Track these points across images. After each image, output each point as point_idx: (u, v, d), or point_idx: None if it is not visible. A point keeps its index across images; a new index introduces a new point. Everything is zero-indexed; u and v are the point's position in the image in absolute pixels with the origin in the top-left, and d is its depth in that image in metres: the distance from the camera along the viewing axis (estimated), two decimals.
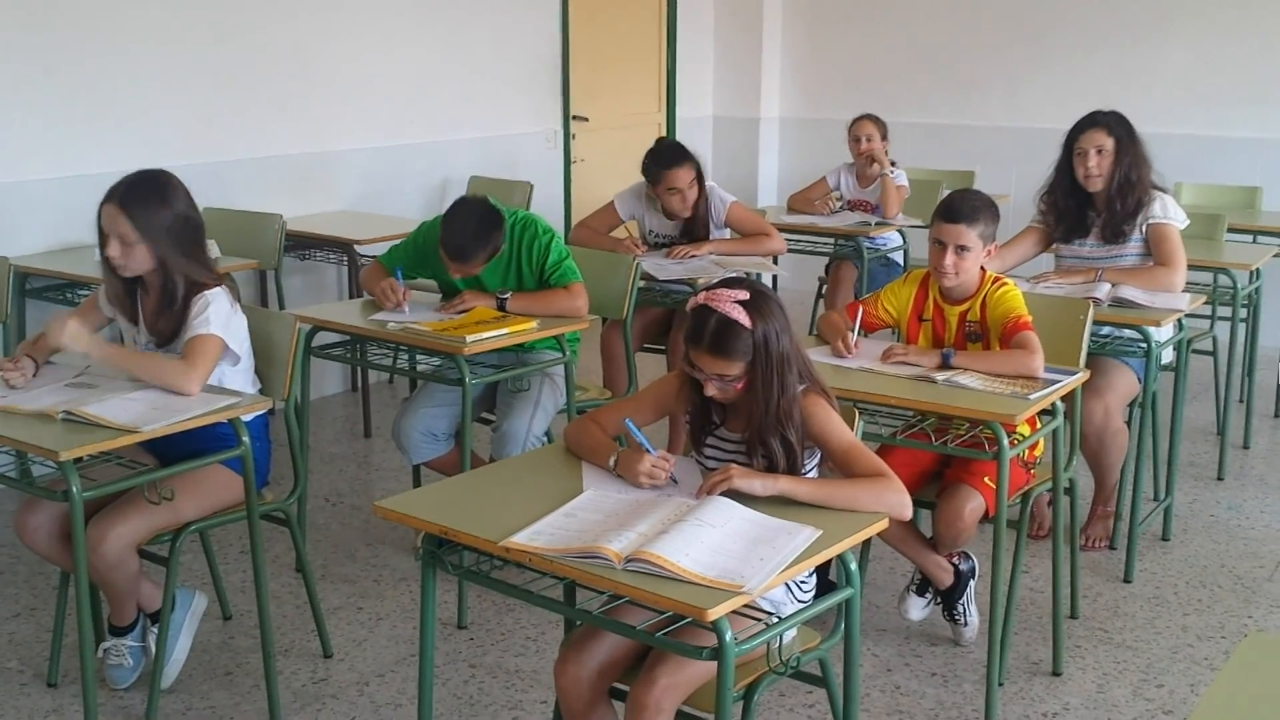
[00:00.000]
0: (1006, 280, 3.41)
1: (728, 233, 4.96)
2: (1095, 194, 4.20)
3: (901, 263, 5.81)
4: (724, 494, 2.36)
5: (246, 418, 3.03)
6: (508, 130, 6.69)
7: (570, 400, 3.98)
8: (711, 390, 2.50)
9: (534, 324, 3.74)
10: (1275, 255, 4.99)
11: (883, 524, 2.33)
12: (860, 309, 3.49)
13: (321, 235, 5.35)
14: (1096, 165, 4.17)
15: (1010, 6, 7.23)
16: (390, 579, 3.97)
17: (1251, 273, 4.80)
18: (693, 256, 4.70)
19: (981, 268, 3.43)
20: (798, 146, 8.00)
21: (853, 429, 2.59)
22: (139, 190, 3.05)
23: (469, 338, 3.57)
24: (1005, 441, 2.96)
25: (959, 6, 7.41)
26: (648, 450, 2.50)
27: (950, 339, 3.45)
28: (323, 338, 3.92)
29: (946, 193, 5.89)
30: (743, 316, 2.44)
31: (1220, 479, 4.81)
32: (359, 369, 5.69)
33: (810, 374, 2.56)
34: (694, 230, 4.86)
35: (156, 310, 3.13)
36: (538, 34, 6.79)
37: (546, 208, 6.65)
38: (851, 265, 5.66)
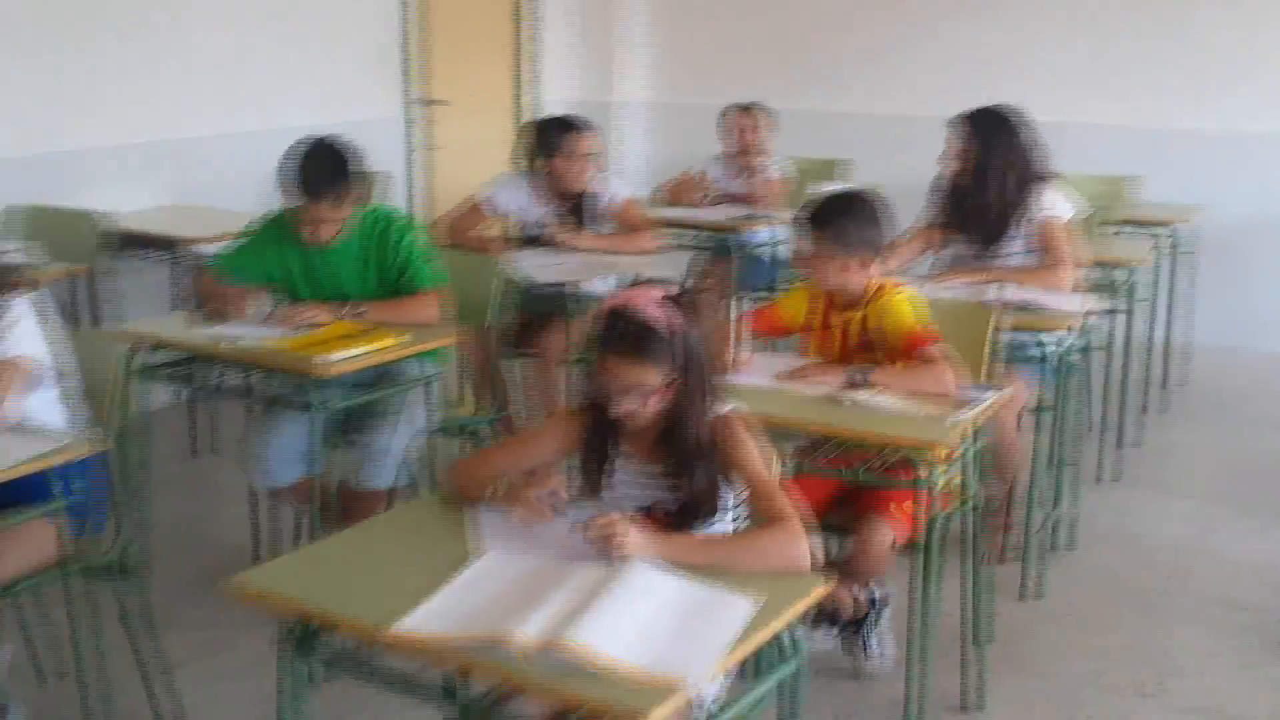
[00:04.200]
0: (898, 289, 3.14)
1: (605, 228, 4.62)
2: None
3: (781, 258, 5.56)
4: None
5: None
6: (353, 115, 6.18)
7: (439, 418, 3.59)
8: (625, 407, 2.17)
9: (397, 338, 3.34)
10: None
11: (826, 589, 2.04)
12: (753, 319, 3.20)
13: (146, 234, 4.82)
14: (950, 164, 3.99)
15: None
16: (244, 623, 3.51)
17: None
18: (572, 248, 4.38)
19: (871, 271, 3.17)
20: (666, 132, 7.70)
21: (773, 466, 2.29)
22: None
23: (322, 358, 3.15)
24: (925, 472, 2.70)
25: None
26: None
27: (837, 349, 3.17)
28: (152, 354, 3.45)
29: (823, 188, 5.77)
30: (665, 316, 2.13)
31: (1116, 480, 4.69)
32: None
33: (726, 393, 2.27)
34: (578, 215, 4.53)
35: None
36: (385, 11, 6.32)
37: (400, 201, 6.20)
38: (723, 260, 5.38)
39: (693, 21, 7.63)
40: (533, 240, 4.57)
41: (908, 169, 6.88)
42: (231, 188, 5.54)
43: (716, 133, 5.57)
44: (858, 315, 3.13)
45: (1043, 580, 3.80)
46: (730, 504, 2.26)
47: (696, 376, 2.17)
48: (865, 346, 3.14)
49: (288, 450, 3.46)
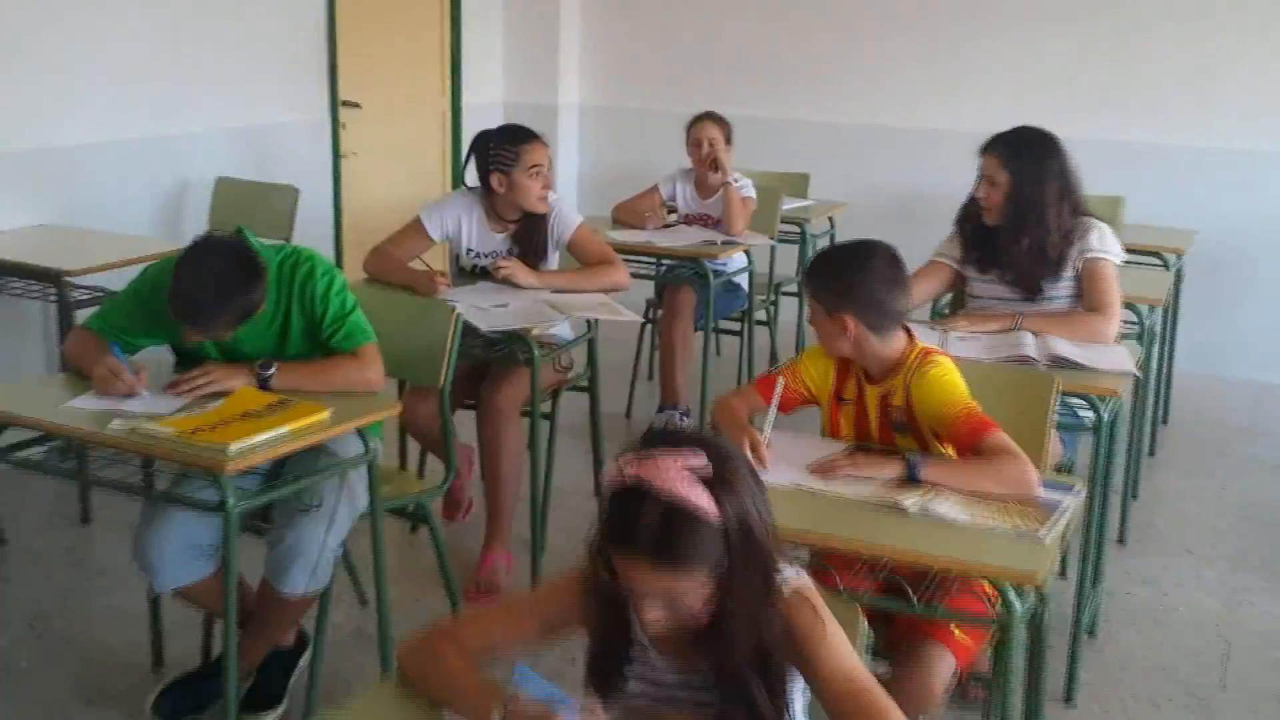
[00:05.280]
0: (938, 356, 2.58)
1: (555, 260, 3.99)
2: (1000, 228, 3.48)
3: (746, 286, 5.00)
4: None
5: None
6: (263, 120, 5.49)
7: (374, 503, 2.95)
8: (653, 616, 1.57)
9: (325, 415, 2.69)
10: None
11: None
12: (778, 386, 2.60)
13: (17, 262, 4.08)
14: (987, 197, 3.46)
15: None
16: None
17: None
18: (520, 285, 3.74)
19: (908, 334, 2.61)
20: (599, 137, 7.09)
21: (855, 641, 1.70)
22: None
23: (232, 445, 2.49)
24: (1019, 601, 2.13)
25: None
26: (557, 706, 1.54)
27: (875, 428, 2.62)
28: (15, 434, 2.77)
29: (791, 206, 5.20)
30: (705, 499, 1.52)
31: (1122, 542, 4.18)
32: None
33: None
34: (532, 243, 3.88)
35: None
36: (299, 5, 5.61)
37: (316, 217, 5.51)
38: (689, 290, 4.80)
39: (624, 21, 7.01)
40: (475, 272, 3.94)
41: (866, 182, 6.45)
42: (124, 206, 4.83)
43: (684, 145, 4.97)
44: (897, 388, 2.57)
45: (1074, 678, 3.28)
46: (799, 712, 1.66)
47: (753, 565, 1.57)
48: (905, 426, 2.58)
49: (189, 545, 2.80)
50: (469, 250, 3.95)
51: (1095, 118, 5.86)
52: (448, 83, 6.70)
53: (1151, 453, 4.98)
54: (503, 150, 3.79)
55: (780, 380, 2.58)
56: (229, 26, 5.23)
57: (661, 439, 1.57)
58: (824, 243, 5.74)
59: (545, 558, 3.82)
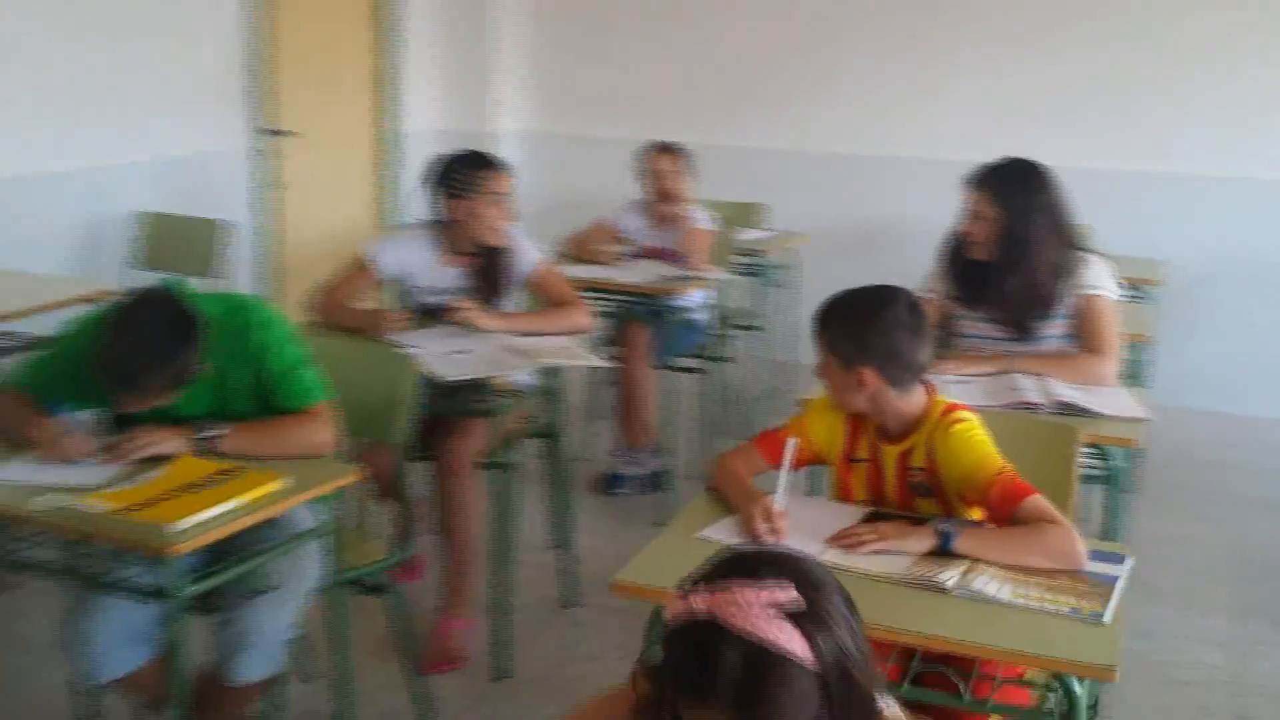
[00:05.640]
0: (963, 411, 2.36)
1: (511, 306, 3.73)
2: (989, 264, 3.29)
3: (705, 321, 4.77)
4: None
5: None
6: (188, 149, 5.16)
7: (332, 577, 2.66)
8: None
9: (278, 484, 2.40)
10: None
11: None
12: (789, 447, 2.36)
13: None
14: (973, 231, 3.27)
15: (788, 16, 6.33)
16: None
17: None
18: (478, 328, 3.47)
19: (928, 391, 2.39)
20: (541, 165, 6.82)
21: None
22: None
23: (175, 524, 2.20)
24: (1083, 693, 1.90)
25: (730, 14, 6.45)
26: None
27: (893, 491, 2.40)
28: None
29: (748, 236, 4.97)
30: (797, 641, 1.27)
31: None
32: None
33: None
34: (490, 280, 3.62)
35: None
36: (224, 29, 5.30)
37: (249, 253, 5.18)
38: (644, 327, 4.55)
39: (566, 45, 6.79)
40: (429, 313, 3.66)
41: (828, 213, 6.27)
42: (39, 244, 4.48)
43: (636, 172, 4.74)
44: (918, 447, 2.35)
45: None
46: None
47: (854, 712, 1.31)
48: (928, 488, 2.36)
49: (126, 632, 2.48)
50: (421, 288, 3.67)
51: (1058, 144, 5.72)
52: (383, 110, 6.41)
53: (1136, 490, 4.83)
54: (463, 176, 3.53)
55: (792, 442, 2.34)
56: (150, 54, 4.91)
57: (738, 566, 1.32)
58: (782, 275, 5.55)
59: (509, 619, 3.53)
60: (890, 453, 2.38)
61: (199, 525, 2.23)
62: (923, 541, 2.14)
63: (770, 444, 2.44)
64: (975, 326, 3.36)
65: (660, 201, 4.67)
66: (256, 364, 2.63)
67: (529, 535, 4.07)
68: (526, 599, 3.75)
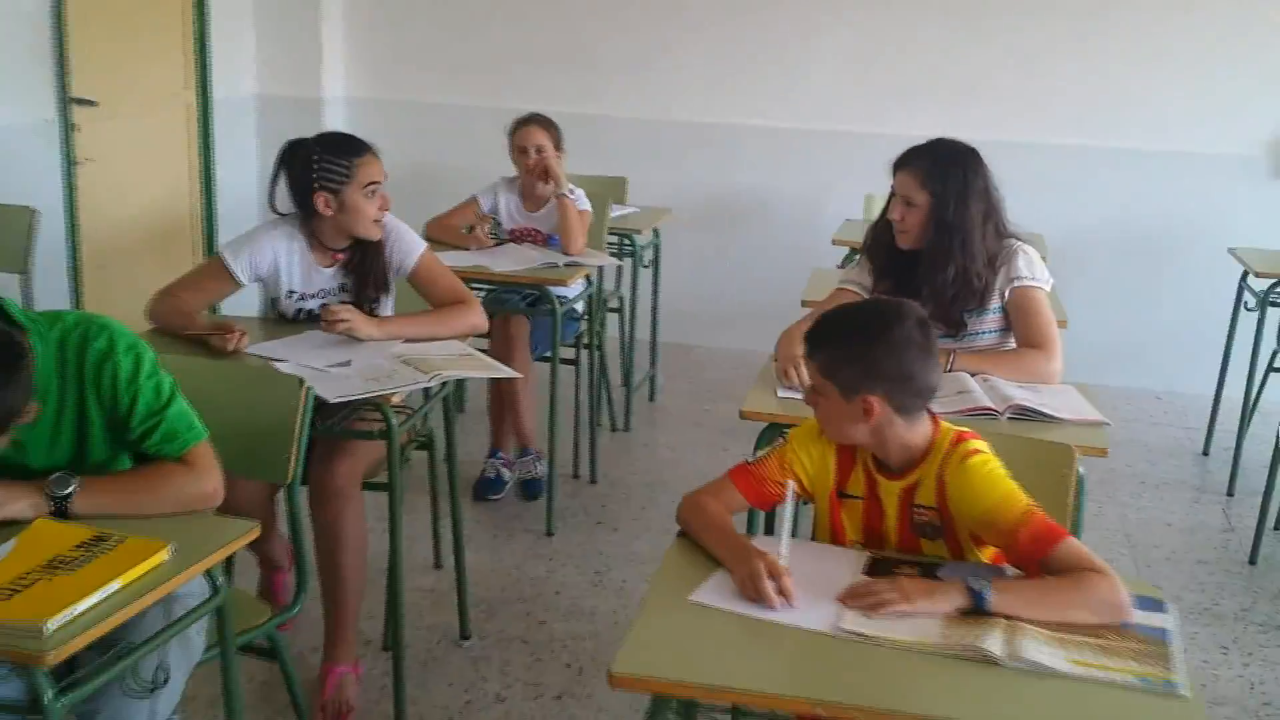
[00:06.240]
0: (975, 440, 2.08)
1: (390, 305, 3.30)
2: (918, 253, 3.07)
3: (583, 311, 4.43)
4: None
5: None
6: None
7: (226, 650, 2.23)
8: None
9: (165, 554, 1.95)
10: None
11: None
12: (791, 490, 2.04)
13: None
14: (902, 219, 3.04)
15: None
16: None
17: None
18: (360, 337, 3.03)
19: (934, 419, 2.12)
20: (370, 134, 6.17)
21: None
22: None
23: (49, 622, 1.74)
24: None
25: None
26: None
27: (893, 534, 2.12)
28: None
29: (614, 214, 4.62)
30: None
31: None
32: None
33: None
34: (368, 277, 3.20)
35: None
36: None
37: (48, 238, 4.54)
38: (522, 319, 4.18)
39: (395, 3, 6.27)
40: (300, 317, 3.21)
41: (683, 184, 5.97)
42: None
43: (510, 152, 4.33)
44: (924, 482, 2.07)
45: None
46: None
47: None
48: (926, 531, 2.09)
49: None
50: (291, 292, 3.20)
51: (920, 114, 5.58)
52: (194, 75, 5.78)
53: None
54: (330, 164, 3.08)
55: (792, 485, 2.03)
56: None
57: None
58: (650, 254, 5.24)
59: (407, 657, 3.13)
60: (891, 488, 2.10)
61: (78, 619, 1.77)
62: (952, 599, 1.86)
63: (750, 479, 2.14)
64: None
65: (533, 180, 4.27)
66: (114, 401, 2.17)
67: (412, 557, 3.68)
68: (413, 633, 3.37)
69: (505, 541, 4.00)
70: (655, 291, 5.30)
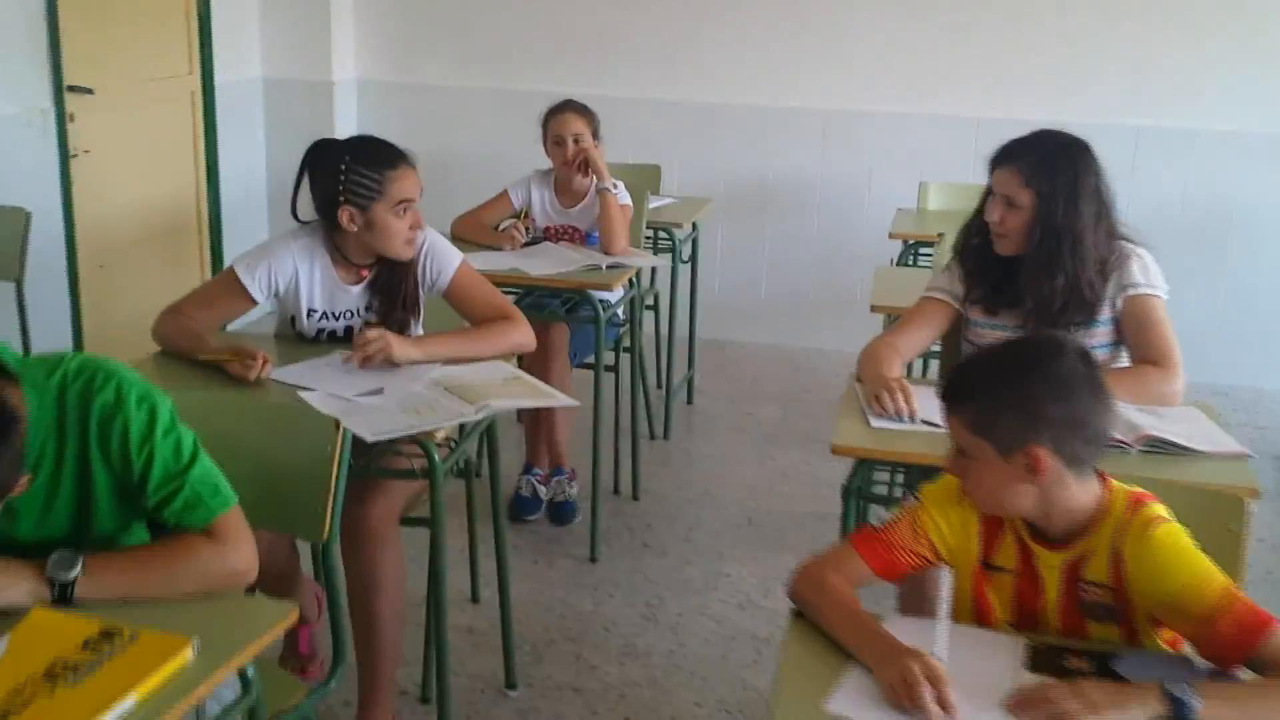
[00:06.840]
0: (1156, 506, 1.75)
1: (420, 323, 2.96)
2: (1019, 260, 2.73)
3: (625, 316, 4.09)
4: None
5: None
6: None
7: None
8: None
9: (188, 652, 1.63)
10: None
11: None
12: (944, 579, 1.71)
13: None
14: (1002, 222, 2.70)
15: None
16: None
17: None
18: (399, 361, 2.69)
19: (1102, 477, 1.79)
20: (384, 120, 5.93)
21: None
22: None
23: None
24: None
25: None
26: None
27: (1054, 615, 1.79)
28: None
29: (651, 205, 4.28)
30: None
31: None
32: None
33: None
34: (398, 295, 2.86)
35: None
36: None
37: (43, 237, 4.21)
38: (562, 327, 3.84)
39: None
40: (322, 338, 2.88)
41: (721, 172, 5.64)
42: None
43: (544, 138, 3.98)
44: (1096, 554, 1.74)
45: None
46: None
47: None
48: (1098, 612, 1.76)
49: None
50: (312, 311, 2.86)
51: (973, 93, 5.25)
52: (195, 58, 5.41)
53: None
54: (360, 176, 2.73)
55: (947, 573, 1.70)
56: None
57: None
58: (688, 250, 4.88)
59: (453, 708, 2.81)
60: (1051, 561, 1.77)
61: None
62: (1147, 708, 1.53)
63: (879, 548, 1.81)
64: (996, 335, 2.79)
65: (571, 172, 3.92)
66: (125, 461, 1.84)
67: (451, 593, 3.35)
68: (454, 680, 3.03)
69: (546, 569, 3.68)
70: (694, 288, 4.94)
